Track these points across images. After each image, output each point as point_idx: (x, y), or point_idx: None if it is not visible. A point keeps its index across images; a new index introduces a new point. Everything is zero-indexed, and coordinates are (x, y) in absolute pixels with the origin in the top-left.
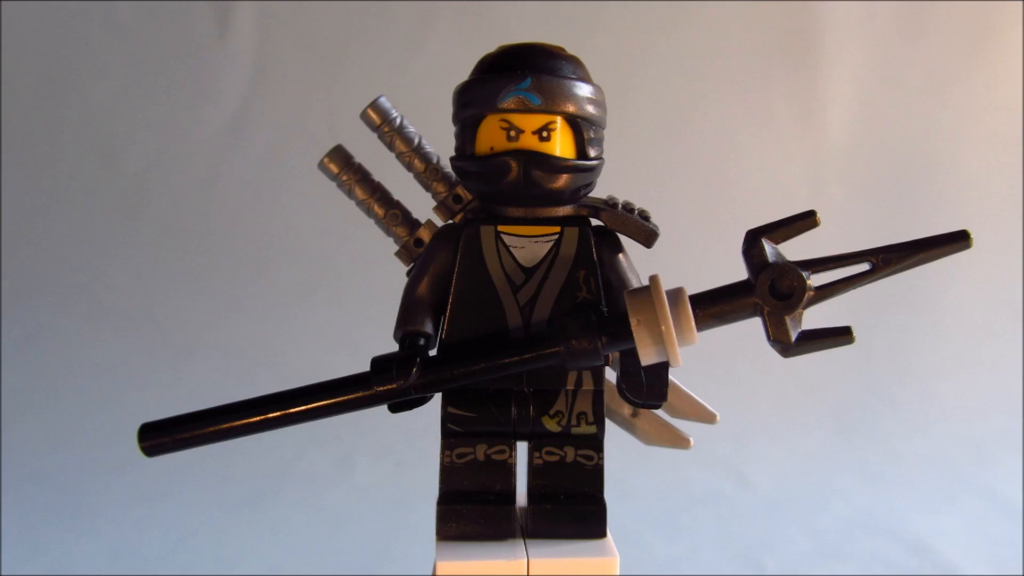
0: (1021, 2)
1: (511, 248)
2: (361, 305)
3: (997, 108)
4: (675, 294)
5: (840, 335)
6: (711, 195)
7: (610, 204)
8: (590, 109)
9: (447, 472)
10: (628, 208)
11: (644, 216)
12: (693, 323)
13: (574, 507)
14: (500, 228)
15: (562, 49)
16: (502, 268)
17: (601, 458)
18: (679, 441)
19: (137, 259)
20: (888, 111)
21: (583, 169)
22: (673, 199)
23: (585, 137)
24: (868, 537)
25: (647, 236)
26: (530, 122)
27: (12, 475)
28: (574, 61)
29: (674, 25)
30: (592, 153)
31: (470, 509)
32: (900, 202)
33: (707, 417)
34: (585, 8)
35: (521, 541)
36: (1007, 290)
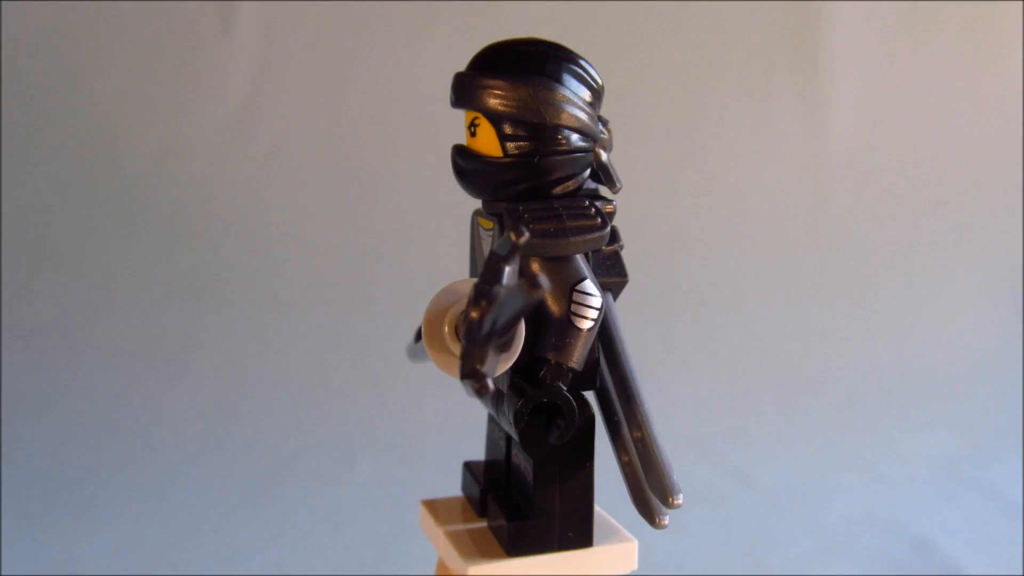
0: (1022, 2)
1: (482, 239)
2: (365, 304)
3: (1000, 108)
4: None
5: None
6: (712, 196)
7: (513, 206)
8: (504, 105)
9: (486, 442)
10: (523, 211)
11: (525, 223)
12: (440, 330)
13: (505, 512)
14: (479, 219)
15: (523, 42)
16: (482, 256)
17: (530, 474)
18: (648, 512)
19: (139, 258)
20: (891, 111)
21: (491, 165)
22: (673, 200)
23: (503, 133)
24: (870, 535)
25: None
26: (466, 118)
27: (12, 473)
28: (521, 55)
29: (676, 24)
30: (512, 150)
31: (471, 479)
32: (903, 203)
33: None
34: (587, 7)
35: (475, 525)
36: (1008, 288)
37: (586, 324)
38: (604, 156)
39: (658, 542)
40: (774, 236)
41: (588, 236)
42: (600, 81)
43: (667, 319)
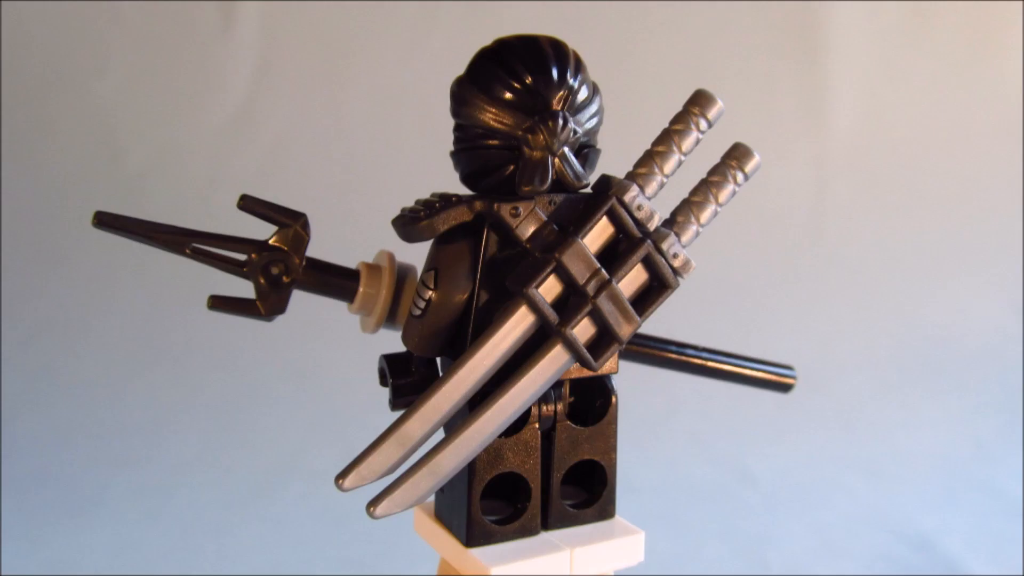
0: (1022, 2)
1: None
2: None
3: (999, 105)
4: None
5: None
6: None
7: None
8: (451, 104)
9: None
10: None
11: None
12: None
13: None
14: None
15: (496, 40)
16: None
17: None
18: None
19: (139, 256)
20: (891, 108)
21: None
22: (675, 196)
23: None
24: (871, 534)
25: None
26: None
27: (13, 472)
28: (477, 54)
29: (677, 22)
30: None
31: None
32: (903, 201)
33: None
34: (588, 5)
35: None
36: (1008, 287)
37: (414, 311)
38: (538, 155)
39: (659, 540)
40: (774, 234)
41: (406, 227)
42: (529, 79)
43: (667, 317)
